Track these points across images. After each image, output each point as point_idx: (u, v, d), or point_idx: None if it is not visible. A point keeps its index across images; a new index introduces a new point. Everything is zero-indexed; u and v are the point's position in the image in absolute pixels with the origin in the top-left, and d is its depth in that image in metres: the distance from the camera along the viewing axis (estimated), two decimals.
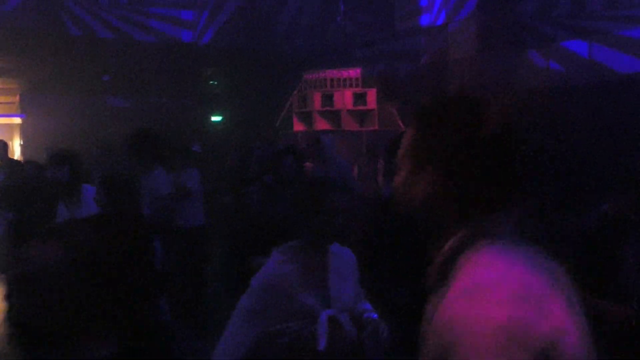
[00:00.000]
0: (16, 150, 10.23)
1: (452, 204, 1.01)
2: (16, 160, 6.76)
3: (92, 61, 9.27)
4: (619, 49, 6.16)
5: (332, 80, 8.62)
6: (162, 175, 4.13)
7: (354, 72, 8.63)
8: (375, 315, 2.15)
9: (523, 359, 0.84)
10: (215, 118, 10.18)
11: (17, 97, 10.35)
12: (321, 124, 8.56)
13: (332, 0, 10.25)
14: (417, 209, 1.06)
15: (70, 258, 1.07)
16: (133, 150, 4.09)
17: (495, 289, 0.89)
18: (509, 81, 7.90)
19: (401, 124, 8.60)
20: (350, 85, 8.60)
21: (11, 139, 10.03)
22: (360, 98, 8.53)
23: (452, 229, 1.02)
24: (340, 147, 6.73)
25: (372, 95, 8.54)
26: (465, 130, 1.00)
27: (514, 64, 7.89)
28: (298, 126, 8.68)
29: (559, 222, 2.74)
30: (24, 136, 10.26)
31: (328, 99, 8.54)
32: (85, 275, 1.08)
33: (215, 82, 10.02)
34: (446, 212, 1.02)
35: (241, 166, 5.20)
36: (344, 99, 8.50)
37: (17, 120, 10.47)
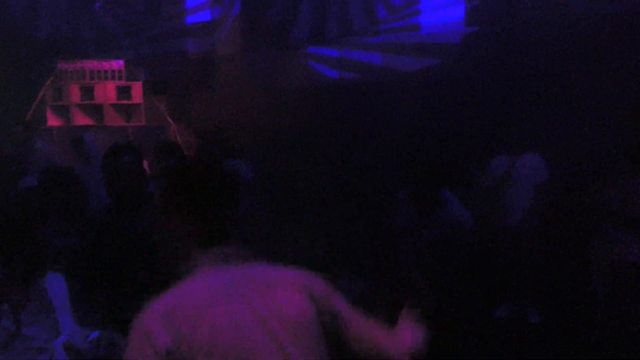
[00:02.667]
0: None
1: (188, 242, 1.30)
2: None
3: None
4: (365, 50, 7.63)
5: (91, 71, 8.02)
6: None
7: (117, 64, 8.16)
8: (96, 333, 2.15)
9: (149, 353, 1.18)
10: None
11: None
12: (81, 119, 7.91)
13: None
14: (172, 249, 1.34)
15: None
16: None
17: (149, 306, 1.24)
18: (273, 79, 8.28)
19: (170, 120, 8.40)
20: (113, 78, 8.11)
21: None
22: (124, 91, 8.10)
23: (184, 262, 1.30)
24: (105, 145, 6.32)
25: (137, 88, 8.18)
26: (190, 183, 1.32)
27: (277, 63, 8.30)
28: (53, 121, 7.88)
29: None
30: None
31: (88, 91, 7.93)
32: None
33: None
34: (184, 250, 1.31)
35: None
36: (106, 92, 7.98)
37: None
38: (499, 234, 4.36)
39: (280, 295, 1.26)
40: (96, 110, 7.97)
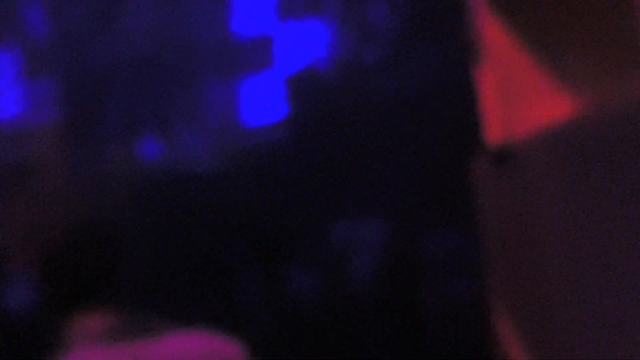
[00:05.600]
0: None
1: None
2: None
3: None
4: (194, 141, 7.76)
5: None
6: None
7: None
8: None
9: None
10: None
11: None
12: None
13: None
14: None
15: None
16: None
17: None
18: (99, 179, 7.83)
19: None
20: None
21: None
22: None
23: None
24: None
25: None
26: None
27: (105, 161, 7.89)
28: None
29: None
30: None
31: None
32: None
33: None
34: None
35: None
36: None
37: None
38: (343, 300, 4.51)
39: None
40: None
